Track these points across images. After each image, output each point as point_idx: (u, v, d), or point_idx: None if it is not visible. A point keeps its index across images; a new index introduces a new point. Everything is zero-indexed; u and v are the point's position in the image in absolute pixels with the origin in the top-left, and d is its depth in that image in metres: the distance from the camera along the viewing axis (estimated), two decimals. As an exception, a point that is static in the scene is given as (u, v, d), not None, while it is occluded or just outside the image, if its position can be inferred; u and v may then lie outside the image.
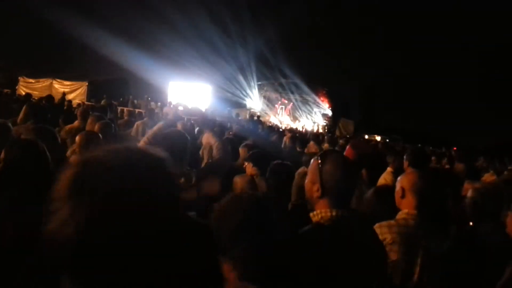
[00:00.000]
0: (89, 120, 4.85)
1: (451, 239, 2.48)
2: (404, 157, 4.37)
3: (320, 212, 1.78)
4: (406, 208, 2.42)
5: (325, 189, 1.78)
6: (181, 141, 2.83)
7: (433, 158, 8.87)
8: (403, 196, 2.44)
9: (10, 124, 3.72)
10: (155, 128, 3.30)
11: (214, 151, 3.28)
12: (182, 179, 2.64)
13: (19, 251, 1.91)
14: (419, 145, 17.16)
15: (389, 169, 4.63)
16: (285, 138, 8.64)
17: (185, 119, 8.97)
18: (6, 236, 1.97)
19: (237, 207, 1.49)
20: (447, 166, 8.13)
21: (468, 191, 4.21)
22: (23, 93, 15.77)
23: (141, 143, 3.19)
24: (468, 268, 2.43)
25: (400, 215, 2.42)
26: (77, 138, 3.50)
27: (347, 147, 3.68)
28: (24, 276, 1.75)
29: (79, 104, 13.37)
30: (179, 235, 0.89)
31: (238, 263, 1.38)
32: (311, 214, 1.82)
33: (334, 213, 1.75)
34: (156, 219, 0.84)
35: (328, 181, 1.79)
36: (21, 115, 5.19)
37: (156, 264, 0.83)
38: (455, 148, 17.81)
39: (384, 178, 4.47)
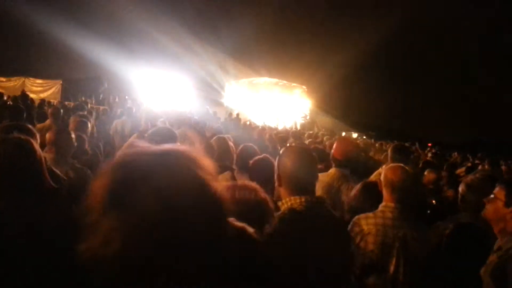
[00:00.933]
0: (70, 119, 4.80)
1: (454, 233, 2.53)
2: (389, 151, 4.42)
3: (289, 200, 1.91)
4: (385, 201, 2.49)
5: (281, 179, 1.99)
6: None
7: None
8: (383, 189, 2.51)
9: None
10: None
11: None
12: None
13: (18, 250, 1.92)
14: (395, 141, 17.48)
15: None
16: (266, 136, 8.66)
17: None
18: (4, 236, 1.95)
19: None
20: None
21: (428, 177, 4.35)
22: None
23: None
24: (457, 259, 2.47)
25: (379, 208, 2.48)
26: (47, 135, 3.42)
27: (334, 144, 3.74)
28: None
29: (50, 103, 13.09)
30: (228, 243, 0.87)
31: None
32: (279, 203, 2.00)
33: (303, 199, 1.88)
34: (205, 229, 0.80)
35: (283, 172, 1.98)
36: None
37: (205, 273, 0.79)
38: (430, 144, 18.21)
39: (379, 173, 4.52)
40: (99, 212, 0.74)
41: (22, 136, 2.25)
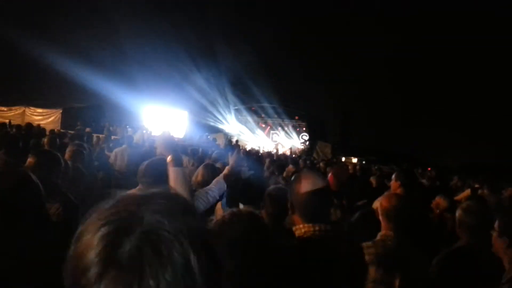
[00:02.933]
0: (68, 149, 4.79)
1: (437, 259, 2.51)
2: (393, 177, 4.38)
3: (303, 227, 1.88)
4: (383, 230, 2.45)
5: (293, 206, 1.96)
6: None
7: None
8: (381, 218, 2.48)
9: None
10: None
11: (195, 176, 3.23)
12: None
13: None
14: (393, 165, 17.47)
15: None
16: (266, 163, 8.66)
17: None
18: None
19: (236, 222, 1.50)
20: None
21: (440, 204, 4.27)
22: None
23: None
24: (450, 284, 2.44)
25: (378, 237, 2.45)
26: (29, 158, 3.36)
27: (329, 174, 3.74)
28: None
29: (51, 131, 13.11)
30: None
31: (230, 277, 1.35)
32: (293, 228, 1.95)
33: (317, 228, 1.85)
34: None
35: (295, 199, 1.95)
36: None
37: None
38: (429, 169, 18.16)
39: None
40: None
41: (22, 170, 2.26)
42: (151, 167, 3.15)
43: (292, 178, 2.07)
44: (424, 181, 8.22)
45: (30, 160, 3.23)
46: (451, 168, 23.44)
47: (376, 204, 4.35)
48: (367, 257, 2.30)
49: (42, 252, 2.06)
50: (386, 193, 2.84)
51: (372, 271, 2.27)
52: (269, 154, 17.81)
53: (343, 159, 25.19)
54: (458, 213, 3.02)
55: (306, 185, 1.94)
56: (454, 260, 2.53)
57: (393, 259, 2.30)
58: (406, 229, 2.44)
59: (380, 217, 2.48)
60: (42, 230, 2.20)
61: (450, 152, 31.88)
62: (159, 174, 2.80)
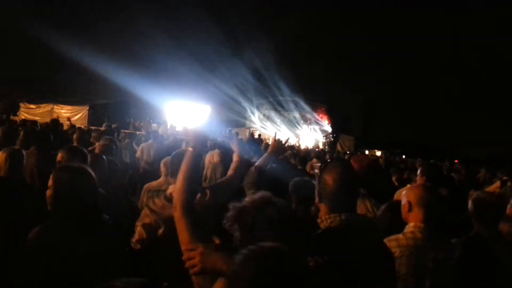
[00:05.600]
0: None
1: (460, 248, 2.49)
2: (419, 171, 4.33)
3: (329, 217, 1.89)
4: (413, 222, 2.43)
5: (321, 196, 1.96)
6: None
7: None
8: (410, 210, 2.45)
9: (23, 151, 3.71)
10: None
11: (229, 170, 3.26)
12: (199, 195, 2.71)
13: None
14: (419, 159, 17.18)
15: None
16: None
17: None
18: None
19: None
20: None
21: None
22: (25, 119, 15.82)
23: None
24: (479, 276, 2.42)
25: (407, 229, 2.43)
26: (59, 154, 3.47)
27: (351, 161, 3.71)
28: None
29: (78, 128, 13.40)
30: None
31: None
32: (318, 221, 1.96)
33: (343, 217, 1.86)
34: None
35: (323, 189, 1.95)
36: (20, 141, 5.07)
37: None
38: (456, 161, 17.79)
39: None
40: None
41: (81, 165, 2.35)
42: (176, 159, 3.27)
43: (321, 168, 2.06)
44: (453, 175, 8.06)
45: (60, 155, 3.34)
46: (478, 160, 22.92)
47: (398, 196, 4.32)
48: (397, 250, 2.30)
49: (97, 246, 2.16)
50: (415, 184, 2.81)
51: (403, 264, 2.26)
52: (291, 147, 17.78)
53: (367, 152, 24.93)
54: (469, 205, 3.02)
55: (334, 175, 1.94)
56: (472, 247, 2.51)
57: (424, 250, 2.29)
58: (436, 221, 2.42)
59: (414, 207, 2.44)
60: (97, 225, 2.29)
61: (477, 144, 31.14)
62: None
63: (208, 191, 2.82)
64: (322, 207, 1.95)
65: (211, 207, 2.73)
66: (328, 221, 1.88)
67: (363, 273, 1.70)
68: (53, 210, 2.22)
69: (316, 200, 2.00)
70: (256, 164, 3.35)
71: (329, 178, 1.94)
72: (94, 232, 2.20)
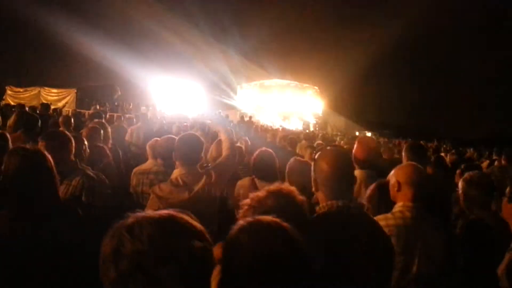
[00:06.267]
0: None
1: (455, 227, 2.54)
2: (403, 152, 4.35)
3: (326, 205, 1.89)
4: (401, 201, 2.45)
5: (317, 183, 1.96)
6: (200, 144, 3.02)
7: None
8: (399, 189, 2.47)
9: (7, 134, 3.65)
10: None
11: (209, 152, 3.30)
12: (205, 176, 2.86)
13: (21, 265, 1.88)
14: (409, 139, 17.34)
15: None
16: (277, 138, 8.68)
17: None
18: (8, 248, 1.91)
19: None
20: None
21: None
22: (11, 103, 15.59)
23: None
24: (471, 255, 2.47)
25: (396, 208, 2.44)
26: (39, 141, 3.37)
27: (355, 145, 3.67)
28: None
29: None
30: None
31: None
32: (316, 208, 1.96)
33: (340, 204, 1.86)
34: None
35: (319, 176, 1.95)
36: (10, 124, 5.03)
37: None
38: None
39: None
40: None
41: (31, 148, 2.18)
42: (165, 143, 3.52)
43: (317, 155, 2.06)
44: (443, 155, 8.12)
45: (40, 143, 3.22)
46: (466, 140, 23.17)
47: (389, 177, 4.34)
48: (386, 229, 2.31)
49: (54, 234, 1.98)
50: (405, 163, 2.82)
51: (393, 243, 2.29)
52: (283, 130, 17.78)
53: (357, 133, 25.05)
54: (461, 185, 3.04)
55: (330, 162, 1.94)
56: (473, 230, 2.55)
57: (413, 229, 2.31)
58: (425, 200, 2.43)
59: (403, 187, 2.45)
60: (54, 210, 2.13)
61: (465, 124, 31.43)
62: (170, 150, 3.09)
63: (212, 172, 2.89)
64: (320, 195, 1.96)
65: (215, 187, 2.89)
66: (326, 208, 1.89)
67: (359, 256, 1.72)
68: (1, 196, 2.06)
69: (313, 188, 1.99)
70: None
71: (324, 165, 1.94)
72: (50, 221, 2.02)
